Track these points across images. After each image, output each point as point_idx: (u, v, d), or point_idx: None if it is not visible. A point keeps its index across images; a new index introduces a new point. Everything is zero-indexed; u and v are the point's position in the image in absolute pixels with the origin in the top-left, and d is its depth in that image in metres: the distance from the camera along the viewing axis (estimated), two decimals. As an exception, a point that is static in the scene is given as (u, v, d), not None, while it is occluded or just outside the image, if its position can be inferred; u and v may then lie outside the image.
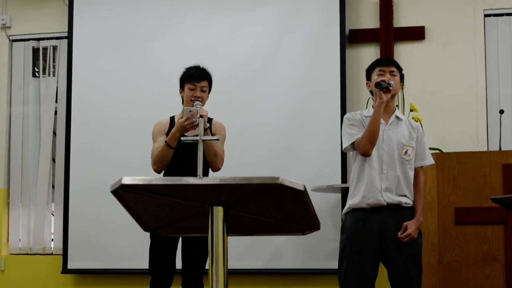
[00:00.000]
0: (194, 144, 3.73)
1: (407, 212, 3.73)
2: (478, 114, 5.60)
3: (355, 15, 5.86)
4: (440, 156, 4.44)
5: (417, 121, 5.16)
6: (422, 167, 3.87)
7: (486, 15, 5.73)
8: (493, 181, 4.30)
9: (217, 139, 2.97)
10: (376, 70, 3.88)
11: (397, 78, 3.87)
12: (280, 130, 5.70)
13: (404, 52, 5.74)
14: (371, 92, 3.97)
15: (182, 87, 4.22)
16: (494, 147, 5.31)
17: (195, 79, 4.15)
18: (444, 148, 5.15)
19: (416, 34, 5.74)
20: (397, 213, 3.70)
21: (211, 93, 4.24)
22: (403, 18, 5.80)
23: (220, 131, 4.24)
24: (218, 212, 2.35)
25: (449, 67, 5.71)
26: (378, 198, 3.69)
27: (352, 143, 3.79)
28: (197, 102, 4.05)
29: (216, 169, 4.16)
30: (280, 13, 5.82)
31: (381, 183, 3.71)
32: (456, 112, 5.60)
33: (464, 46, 5.69)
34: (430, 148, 5.12)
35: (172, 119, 4.23)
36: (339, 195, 5.51)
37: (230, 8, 5.91)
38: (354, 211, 3.76)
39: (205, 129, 3.77)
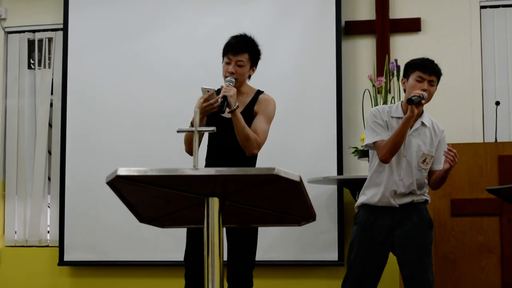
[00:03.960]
0: (227, 118, 3.54)
1: (419, 207, 3.75)
2: (474, 106, 5.60)
3: (351, 7, 5.84)
4: (436, 147, 4.43)
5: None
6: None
7: (482, 7, 5.72)
8: (489, 173, 4.30)
9: (213, 130, 2.43)
10: (415, 75, 3.72)
11: (434, 87, 3.73)
12: (276, 122, 5.65)
13: (400, 44, 5.73)
14: (404, 90, 3.81)
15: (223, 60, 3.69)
16: (490, 139, 5.31)
17: (230, 51, 3.63)
18: (440, 139, 5.15)
19: (412, 25, 5.73)
20: (408, 209, 3.73)
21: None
22: (399, 10, 5.79)
23: (265, 108, 3.72)
24: (214, 203, 2.35)
25: (445, 59, 5.66)
26: (390, 201, 3.72)
27: (374, 142, 3.72)
28: (228, 79, 3.56)
29: (250, 153, 3.61)
30: (276, 5, 5.80)
31: (397, 189, 3.70)
32: (452, 104, 5.60)
33: (460, 38, 5.68)
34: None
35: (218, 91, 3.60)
36: (335, 187, 5.50)
37: (225, 1, 5.89)
38: (366, 206, 3.79)
39: (232, 110, 3.45)
